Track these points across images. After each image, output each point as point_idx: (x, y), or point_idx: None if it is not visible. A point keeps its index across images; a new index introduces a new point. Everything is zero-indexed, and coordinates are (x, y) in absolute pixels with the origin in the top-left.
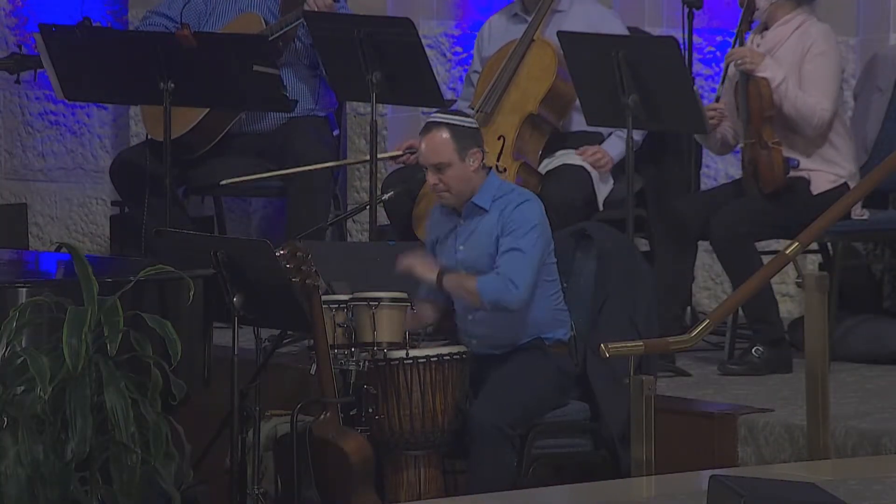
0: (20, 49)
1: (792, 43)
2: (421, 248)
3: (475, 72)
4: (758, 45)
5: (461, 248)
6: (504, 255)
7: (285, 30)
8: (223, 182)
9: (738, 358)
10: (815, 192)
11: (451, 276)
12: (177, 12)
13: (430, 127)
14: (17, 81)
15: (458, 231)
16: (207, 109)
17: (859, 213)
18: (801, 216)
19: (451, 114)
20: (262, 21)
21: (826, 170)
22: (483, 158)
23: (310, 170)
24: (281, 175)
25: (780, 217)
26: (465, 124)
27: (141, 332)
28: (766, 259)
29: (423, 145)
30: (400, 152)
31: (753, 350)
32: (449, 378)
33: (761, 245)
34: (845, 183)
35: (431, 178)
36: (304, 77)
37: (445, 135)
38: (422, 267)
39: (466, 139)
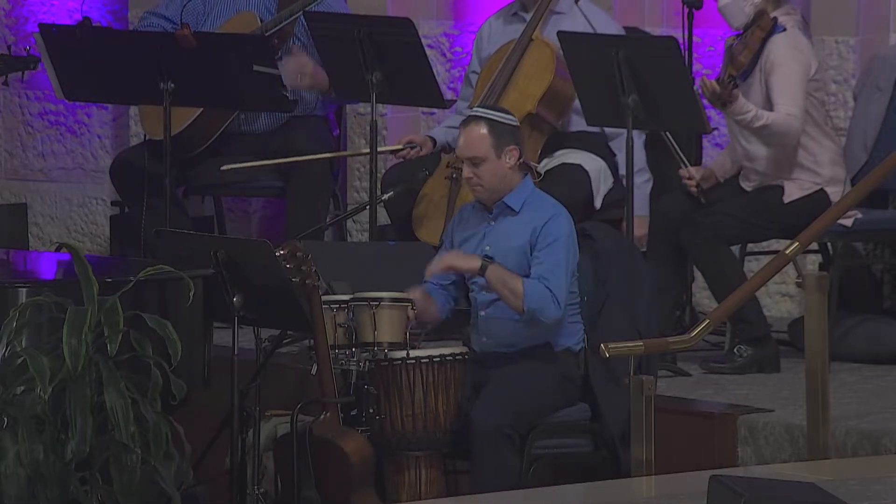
0: (9, 50)
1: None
2: (423, 249)
3: (474, 72)
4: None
5: (487, 247)
6: (547, 272)
7: (281, 25)
8: (224, 168)
9: (723, 357)
10: (786, 201)
11: (495, 268)
12: (176, 13)
13: (469, 120)
14: (6, 83)
15: (487, 231)
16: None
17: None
18: (772, 224)
19: (493, 109)
20: (258, 19)
21: (801, 177)
22: (520, 157)
23: (310, 159)
24: (281, 162)
25: (751, 224)
26: (505, 121)
27: (141, 332)
28: (766, 259)
29: (461, 138)
30: (400, 146)
31: (735, 349)
32: (451, 378)
33: (761, 245)
34: (822, 189)
35: (466, 171)
36: None
37: (483, 130)
38: (462, 259)
39: (505, 136)
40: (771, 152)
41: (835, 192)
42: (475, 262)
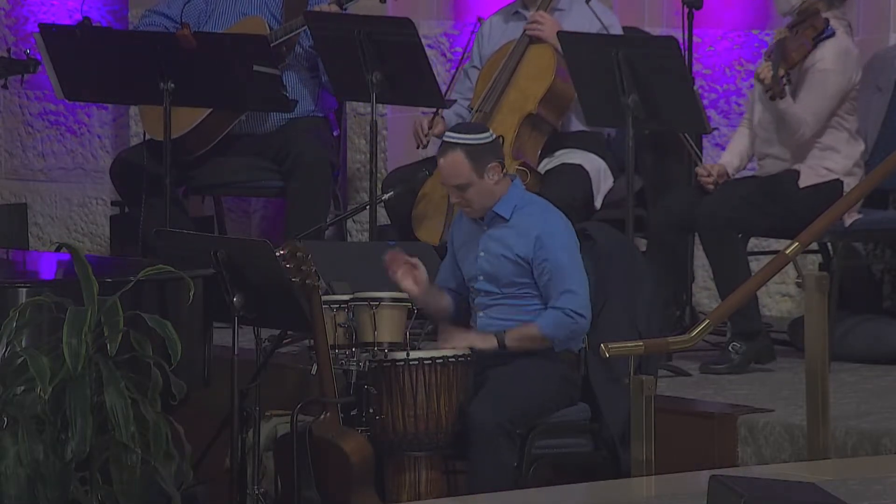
0: (9, 53)
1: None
2: (423, 249)
3: (474, 67)
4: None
5: (482, 254)
6: (557, 287)
7: (289, 35)
8: None
9: (719, 357)
10: (802, 186)
11: (511, 334)
12: (177, 12)
13: (446, 149)
14: (5, 86)
15: (481, 239)
16: (208, 111)
17: (849, 214)
18: (787, 209)
19: (466, 132)
20: (266, 25)
21: (818, 163)
22: (503, 169)
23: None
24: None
25: (766, 208)
26: (480, 141)
27: (141, 332)
28: (766, 259)
29: (441, 166)
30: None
31: (730, 346)
32: (453, 380)
33: (761, 245)
34: (838, 179)
35: (454, 196)
36: (304, 79)
37: (461, 157)
38: (480, 340)
39: (483, 155)
40: (799, 144)
41: (850, 185)
42: (493, 341)
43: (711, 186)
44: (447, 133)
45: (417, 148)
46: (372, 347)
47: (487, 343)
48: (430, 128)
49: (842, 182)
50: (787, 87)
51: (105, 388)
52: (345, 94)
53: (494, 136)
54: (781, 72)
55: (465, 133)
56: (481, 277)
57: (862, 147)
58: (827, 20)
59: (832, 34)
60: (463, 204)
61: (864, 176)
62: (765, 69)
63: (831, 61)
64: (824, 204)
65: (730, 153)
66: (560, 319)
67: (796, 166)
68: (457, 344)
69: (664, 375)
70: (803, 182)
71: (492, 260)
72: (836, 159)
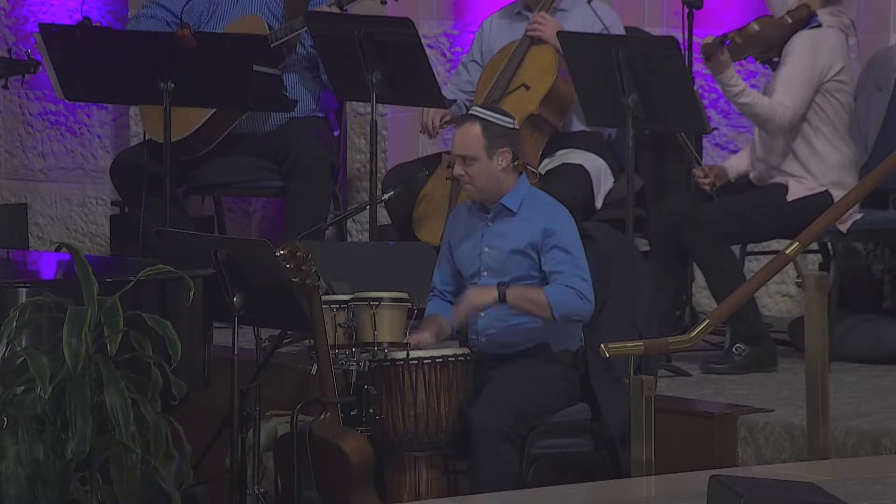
0: (9, 53)
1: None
2: (423, 249)
3: (473, 61)
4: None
5: (486, 249)
6: (567, 270)
7: (290, 36)
8: None
9: (721, 357)
10: (789, 200)
11: (513, 290)
12: (178, 7)
13: (465, 119)
14: (5, 86)
15: (486, 231)
16: (210, 113)
17: (845, 217)
18: (774, 223)
19: (492, 110)
20: (265, 24)
21: (805, 176)
22: (513, 160)
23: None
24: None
25: (753, 221)
26: (501, 122)
27: (141, 332)
28: (766, 259)
29: (455, 135)
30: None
31: (734, 348)
32: (453, 379)
33: (761, 245)
34: (826, 191)
35: (458, 168)
36: (305, 79)
37: (477, 129)
38: (478, 294)
39: (498, 137)
40: (783, 146)
41: (840, 196)
42: (493, 293)
43: (708, 188)
44: (473, 107)
45: (421, 132)
46: (372, 347)
47: (487, 296)
48: (441, 120)
49: (831, 194)
50: (725, 56)
51: (105, 388)
52: (345, 94)
53: (516, 127)
54: (731, 37)
55: (489, 111)
56: (485, 273)
57: (853, 152)
58: (814, 13)
59: (816, 25)
60: (465, 180)
61: (855, 181)
62: (710, 38)
63: (797, 44)
64: (812, 216)
65: (740, 155)
66: (569, 295)
67: (784, 180)
68: (460, 306)
69: (664, 375)
70: (791, 196)
71: (498, 255)
72: (821, 170)
